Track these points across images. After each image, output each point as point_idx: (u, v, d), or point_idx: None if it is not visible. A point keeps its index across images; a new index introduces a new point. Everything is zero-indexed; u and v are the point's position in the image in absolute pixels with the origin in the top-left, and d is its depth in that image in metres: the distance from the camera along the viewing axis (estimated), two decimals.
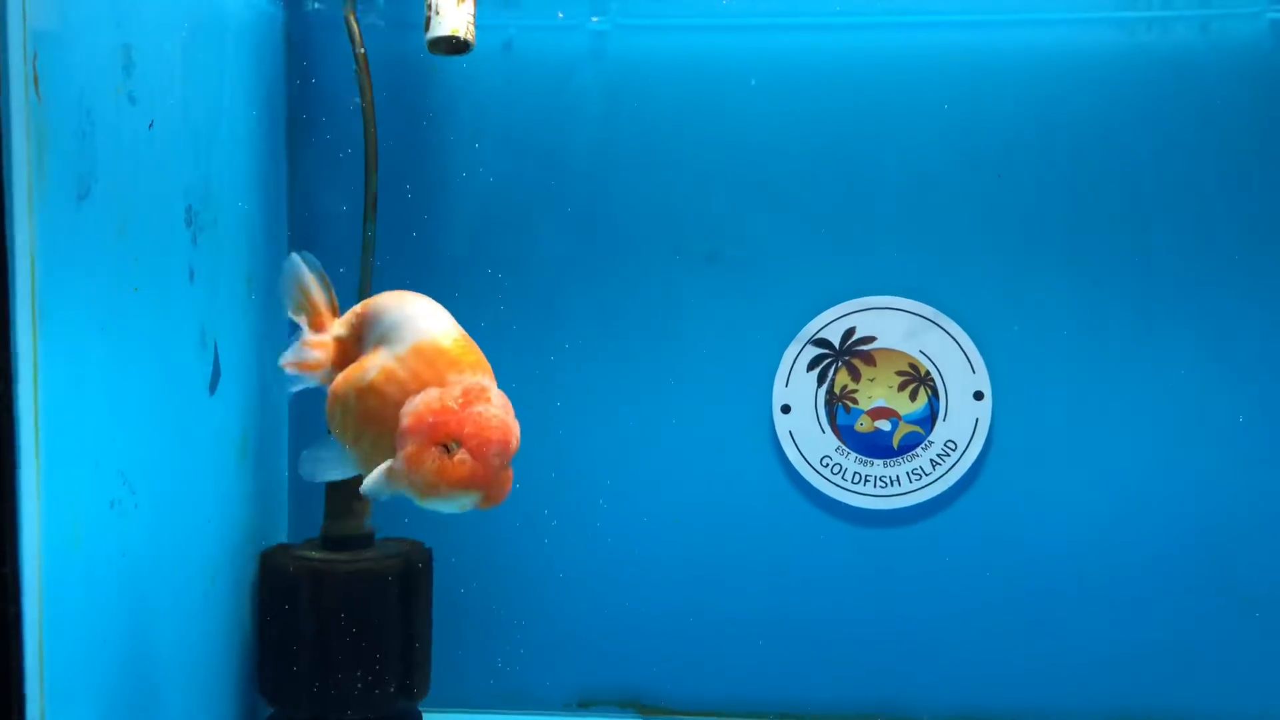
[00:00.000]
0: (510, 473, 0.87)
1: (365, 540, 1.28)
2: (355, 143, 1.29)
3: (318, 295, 0.98)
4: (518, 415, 1.37)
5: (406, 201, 1.37)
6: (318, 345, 0.97)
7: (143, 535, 1.01)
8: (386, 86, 1.33)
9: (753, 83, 1.36)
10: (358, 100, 1.28)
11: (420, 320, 0.93)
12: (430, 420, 0.85)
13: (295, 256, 0.98)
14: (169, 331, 1.08)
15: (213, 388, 1.17)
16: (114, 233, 0.95)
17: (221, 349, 1.19)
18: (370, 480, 0.89)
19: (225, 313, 1.20)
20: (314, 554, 1.24)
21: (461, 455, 0.84)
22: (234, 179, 1.22)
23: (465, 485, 0.84)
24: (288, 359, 0.96)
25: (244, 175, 1.25)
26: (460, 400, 0.86)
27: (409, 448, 0.86)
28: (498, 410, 0.86)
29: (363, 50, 1.28)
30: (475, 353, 0.91)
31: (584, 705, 1.41)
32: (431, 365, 0.88)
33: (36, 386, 0.82)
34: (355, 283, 1.30)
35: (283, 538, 1.39)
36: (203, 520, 1.16)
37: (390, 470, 0.87)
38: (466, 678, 1.40)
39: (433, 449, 0.85)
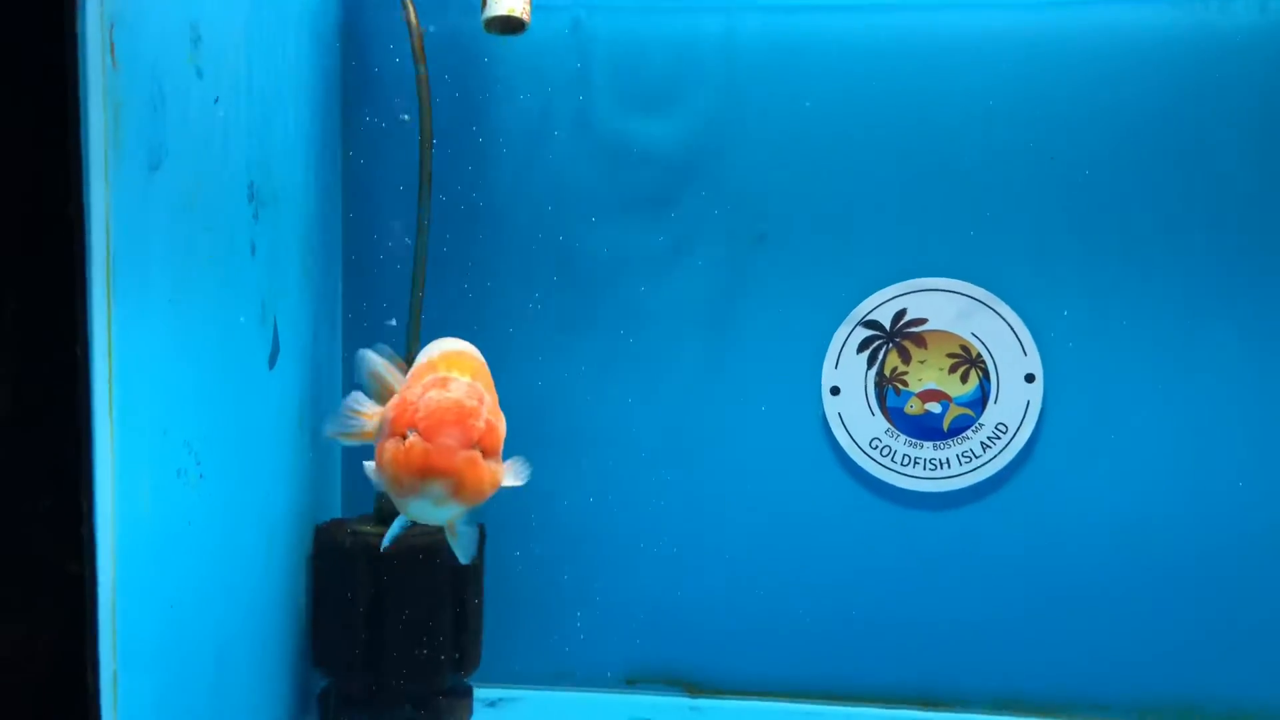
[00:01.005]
0: (476, 458, 0.83)
1: None
2: (411, 123, 1.30)
3: (392, 380, 0.98)
4: (566, 392, 1.39)
5: (462, 180, 1.38)
6: (373, 415, 0.98)
7: (206, 505, 1.02)
8: (442, 65, 1.35)
9: (806, 67, 1.36)
10: (408, 55, 1.29)
11: (430, 348, 0.95)
12: (390, 416, 0.85)
13: (364, 352, 0.98)
14: (232, 305, 1.09)
15: (272, 362, 1.19)
16: (183, 204, 0.96)
17: (280, 325, 1.20)
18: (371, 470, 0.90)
19: (284, 288, 1.21)
20: (368, 528, 1.26)
21: (414, 439, 0.83)
22: (293, 157, 1.23)
23: (423, 470, 0.81)
24: (335, 430, 0.98)
25: (302, 153, 1.26)
26: (419, 392, 0.86)
27: (378, 448, 0.86)
28: (453, 394, 0.85)
29: (418, 29, 1.29)
30: (462, 360, 0.91)
31: (631, 683, 1.42)
32: (419, 380, 0.89)
33: (110, 354, 0.84)
34: (410, 264, 1.31)
35: (336, 512, 1.40)
36: (262, 493, 1.18)
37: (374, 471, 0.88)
38: (516, 654, 1.41)
39: (392, 440, 0.84)
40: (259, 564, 1.18)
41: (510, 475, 0.91)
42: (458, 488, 0.83)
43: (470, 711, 1.32)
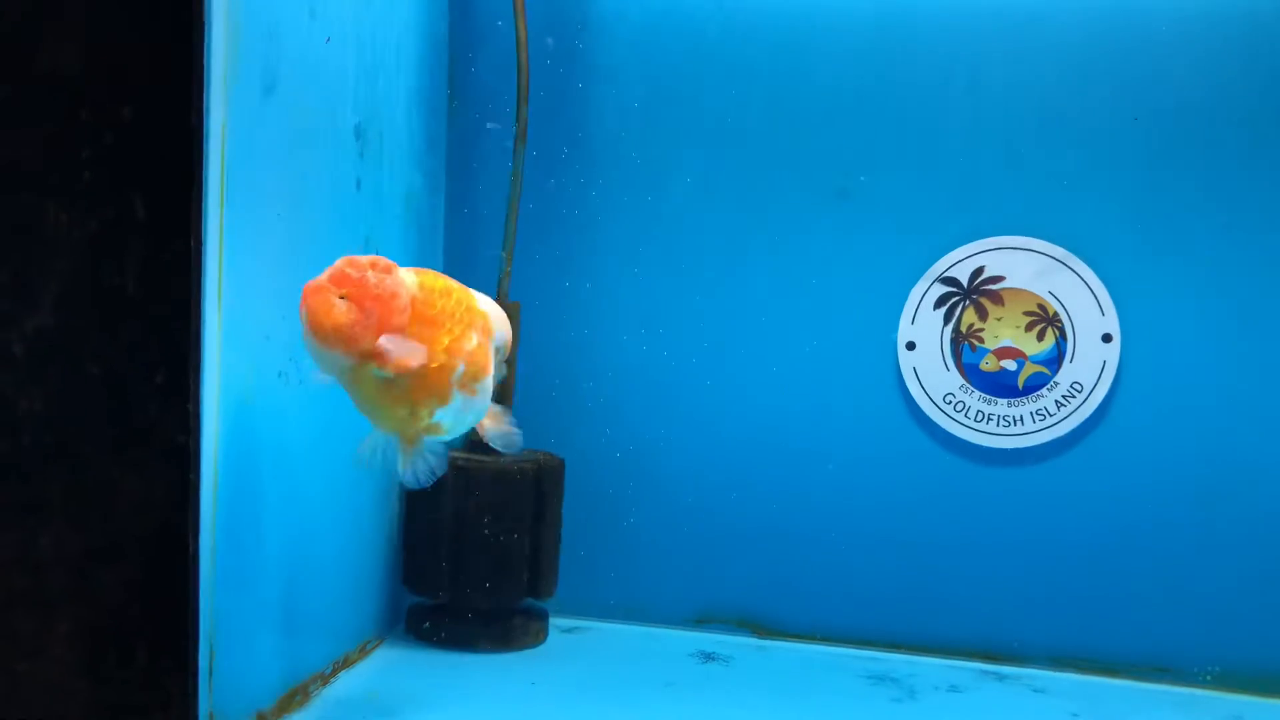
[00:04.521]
0: (330, 297, 0.92)
1: None
2: (512, 72, 1.39)
3: None
4: (649, 341, 1.45)
5: (554, 132, 1.45)
6: None
7: (305, 410, 1.12)
8: (541, 20, 1.43)
9: (887, 24, 1.39)
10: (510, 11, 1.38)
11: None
12: None
13: None
14: (337, 233, 1.18)
15: None
16: (292, 130, 1.06)
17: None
18: None
19: (387, 225, 1.31)
20: (458, 454, 1.34)
21: None
22: (398, 102, 1.33)
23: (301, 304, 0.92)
24: None
25: (408, 101, 1.35)
26: None
27: None
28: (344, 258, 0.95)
29: None
30: (446, 284, 1.00)
31: (701, 622, 1.47)
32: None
33: (221, 249, 0.94)
34: (504, 210, 1.39)
35: None
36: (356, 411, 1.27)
37: None
38: (593, 588, 1.48)
39: None
40: (351, 480, 1.27)
41: (407, 352, 0.95)
42: (311, 318, 0.92)
43: (545, 634, 1.39)
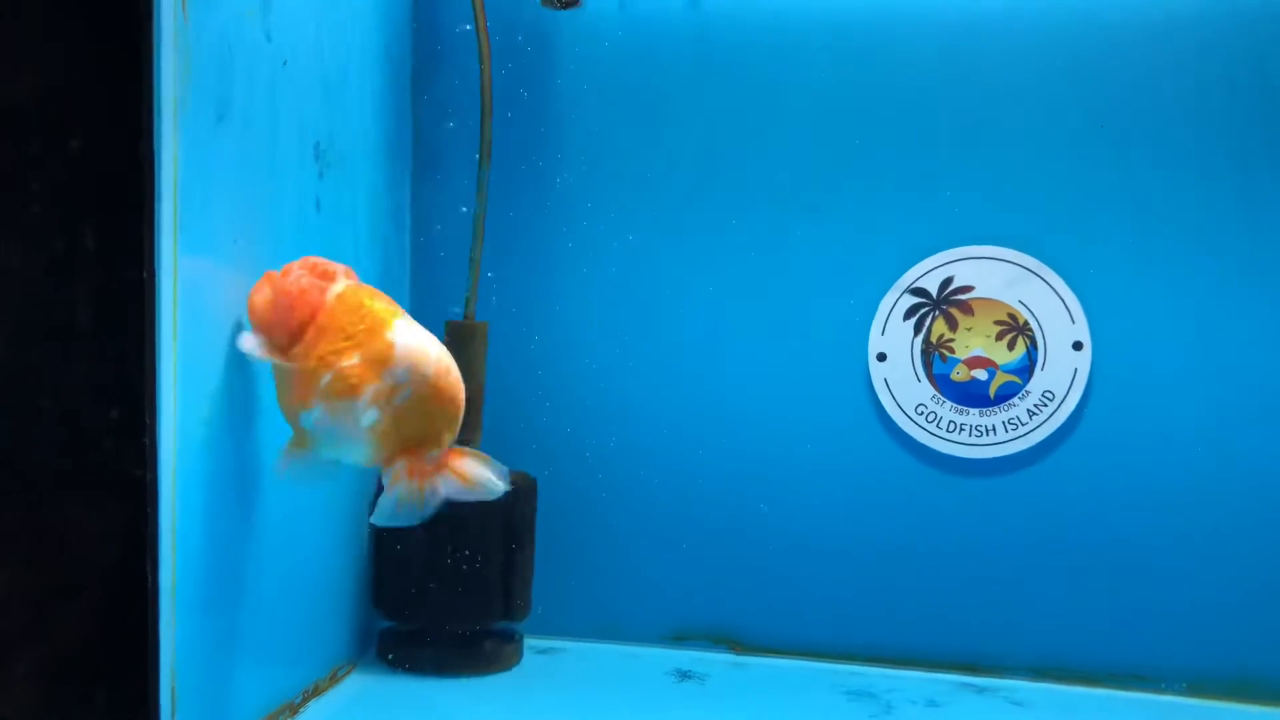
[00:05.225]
0: (261, 282, 1.02)
1: None
2: (474, 91, 1.38)
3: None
4: (619, 357, 1.45)
5: (520, 147, 1.44)
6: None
7: (267, 437, 1.10)
8: (503, 37, 1.42)
9: (857, 34, 1.39)
10: (472, 28, 1.38)
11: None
12: None
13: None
14: (298, 255, 1.16)
15: None
16: (248, 155, 1.04)
17: None
18: None
19: (349, 245, 1.29)
20: None
21: None
22: (360, 123, 1.31)
23: None
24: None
25: (370, 120, 1.34)
26: None
27: None
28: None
29: (482, 6, 1.36)
30: (375, 296, 1.04)
31: (678, 639, 1.46)
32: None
33: (176, 278, 0.92)
34: (470, 227, 1.38)
35: None
36: None
37: None
38: (568, 608, 1.46)
39: None
40: (321, 504, 1.25)
41: (253, 345, 1.00)
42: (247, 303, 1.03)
43: (519, 656, 1.38)
